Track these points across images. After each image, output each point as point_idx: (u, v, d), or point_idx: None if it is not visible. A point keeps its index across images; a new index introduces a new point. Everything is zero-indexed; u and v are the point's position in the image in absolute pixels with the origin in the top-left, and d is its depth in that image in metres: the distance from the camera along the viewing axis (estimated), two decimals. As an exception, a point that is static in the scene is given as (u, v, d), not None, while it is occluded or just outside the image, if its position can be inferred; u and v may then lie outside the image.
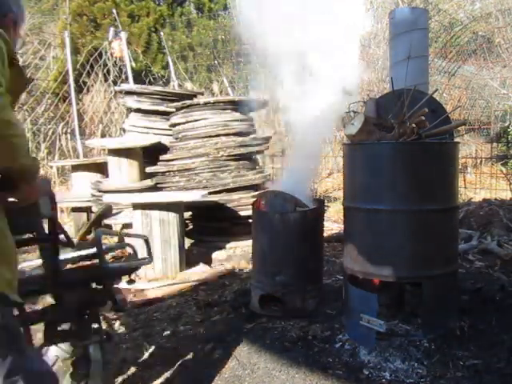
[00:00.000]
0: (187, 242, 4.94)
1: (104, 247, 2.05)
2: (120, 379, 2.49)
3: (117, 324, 3.19)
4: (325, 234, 3.89)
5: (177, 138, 5.48)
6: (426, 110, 2.65)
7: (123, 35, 8.64)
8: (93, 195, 5.41)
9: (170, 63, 10.11)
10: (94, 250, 1.91)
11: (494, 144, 10.01)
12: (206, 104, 5.34)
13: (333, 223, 6.14)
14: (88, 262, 2.10)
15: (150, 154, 5.48)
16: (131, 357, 2.72)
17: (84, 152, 7.80)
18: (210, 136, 5.24)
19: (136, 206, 4.07)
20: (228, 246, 5.00)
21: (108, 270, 1.94)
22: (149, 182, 5.20)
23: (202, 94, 6.69)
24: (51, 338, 1.90)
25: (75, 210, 5.91)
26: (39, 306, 2.49)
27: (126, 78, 8.60)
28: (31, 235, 1.76)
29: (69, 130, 8.43)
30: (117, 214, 4.91)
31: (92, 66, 8.84)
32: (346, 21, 2.93)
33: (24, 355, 1.44)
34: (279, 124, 8.82)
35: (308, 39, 3.01)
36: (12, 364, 1.38)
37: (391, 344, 2.53)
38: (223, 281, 3.97)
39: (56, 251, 1.77)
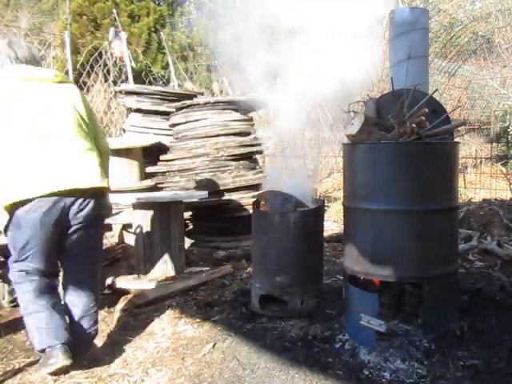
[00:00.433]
0: (187, 242, 4.94)
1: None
2: (120, 379, 2.49)
3: (117, 324, 3.19)
4: (325, 234, 3.89)
5: (177, 138, 5.48)
6: (426, 110, 2.65)
7: (123, 35, 8.64)
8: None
9: (170, 63, 10.11)
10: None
11: (494, 144, 10.02)
12: (205, 104, 5.34)
13: (333, 223, 6.15)
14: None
15: (150, 154, 5.47)
16: (131, 357, 2.73)
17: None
18: (210, 136, 5.24)
19: (136, 206, 4.07)
20: (228, 246, 4.99)
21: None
22: (149, 182, 5.20)
23: (202, 93, 6.69)
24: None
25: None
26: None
27: (126, 78, 8.60)
28: None
29: (69, 130, 8.40)
30: (117, 214, 4.90)
31: (92, 66, 8.84)
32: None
33: None
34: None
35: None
36: None
37: (391, 344, 2.53)
38: (223, 281, 3.97)
39: None
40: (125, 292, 3.79)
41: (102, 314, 3.37)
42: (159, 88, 6.14)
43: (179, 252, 4.16)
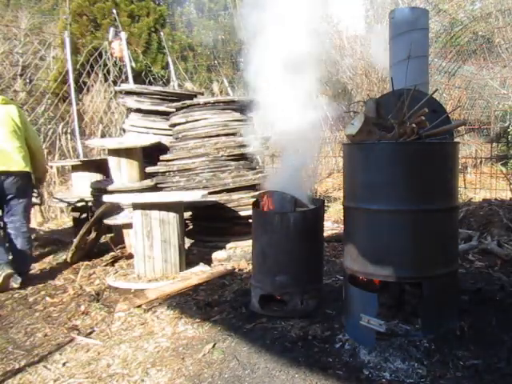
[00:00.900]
0: (187, 242, 4.94)
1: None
2: (120, 379, 2.49)
3: (117, 324, 3.20)
4: (325, 234, 3.89)
5: (177, 138, 5.48)
6: (425, 110, 2.65)
7: (123, 35, 8.64)
8: (93, 195, 5.41)
9: (170, 63, 10.11)
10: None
11: (494, 144, 10.02)
12: (205, 104, 5.33)
13: (333, 223, 6.15)
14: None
15: (150, 154, 5.47)
16: (131, 357, 2.73)
17: (84, 152, 7.80)
18: (210, 136, 5.24)
19: (136, 206, 4.07)
20: (228, 245, 5.00)
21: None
22: (149, 182, 5.20)
23: (202, 93, 6.68)
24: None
25: (75, 209, 5.91)
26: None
27: (126, 78, 8.60)
28: None
29: (69, 130, 8.43)
30: (117, 214, 4.90)
31: (92, 66, 8.83)
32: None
33: None
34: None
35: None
36: None
37: (391, 344, 2.53)
38: (223, 281, 3.97)
39: None
40: (125, 292, 3.80)
41: (102, 313, 3.37)
42: (159, 88, 6.14)
43: (179, 252, 4.17)
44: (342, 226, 3.02)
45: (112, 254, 4.95)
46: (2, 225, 4.31)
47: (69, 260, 4.60)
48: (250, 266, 3.85)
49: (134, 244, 4.24)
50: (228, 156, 5.19)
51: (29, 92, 9.38)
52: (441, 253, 2.66)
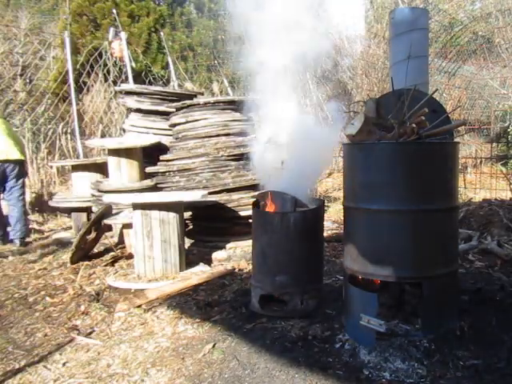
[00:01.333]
0: (187, 242, 4.94)
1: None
2: (120, 379, 2.49)
3: (117, 324, 3.19)
4: (325, 234, 3.89)
5: (177, 138, 5.48)
6: (426, 110, 2.65)
7: (123, 35, 8.63)
8: (93, 195, 5.41)
9: (170, 63, 10.11)
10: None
11: (494, 144, 10.02)
12: (205, 104, 5.33)
13: (333, 223, 6.15)
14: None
15: (150, 154, 5.47)
16: (131, 357, 2.73)
17: (84, 152, 7.81)
18: (210, 136, 5.24)
19: (136, 206, 4.07)
20: (228, 246, 5.00)
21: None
22: (149, 182, 5.20)
23: (202, 93, 6.68)
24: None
25: (75, 210, 5.92)
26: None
27: (126, 78, 8.60)
28: None
29: (69, 130, 8.43)
30: (117, 213, 4.91)
31: (92, 66, 8.84)
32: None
33: None
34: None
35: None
36: None
37: (391, 344, 2.53)
38: (223, 281, 3.97)
39: None
40: (125, 292, 3.80)
41: (102, 313, 3.37)
42: (159, 88, 6.14)
43: (179, 252, 4.17)
44: (342, 226, 3.02)
45: (112, 253, 4.95)
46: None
47: (69, 260, 4.60)
48: (250, 266, 3.85)
49: (134, 244, 4.24)
50: (228, 156, 5.19)
51: (29, 92, 9.38)
52: (441, 253, 2.66)
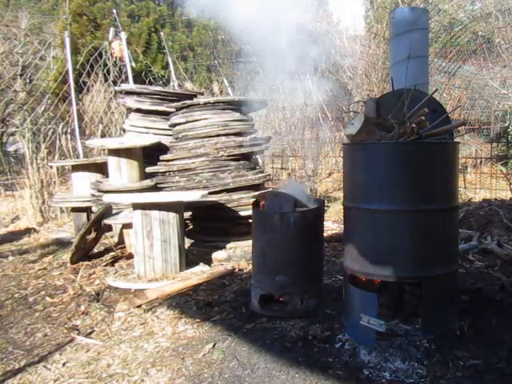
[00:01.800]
0: (187, 242, 4.94)
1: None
2: (120, 379, 2.49)
3: (117, 324, 3.20)
4: (325, 234, 3.89)
5: (177, 138, 5.48)
6: (426, 110, 2.65)
7: (123, 35, 8.64)
8: (93, 195, 5.41)
9: (170, 63, 10.11)
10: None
11: (494, 144, 10.02)
12: (205, 104, 5.33)
13: (333, 223, 6.15)
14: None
15: (150, 154, 5.47)
16: (131, 357, 2.73)
17: (84, 152, 7.80)
18: (210, 136, 5.23)
19: (136, 206, 4.07)
20: (228, 246, 5.00)
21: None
22: (149, 182, 5.20)
23: (202, 93, 6.67)
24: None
25: (75, 210, 5.91)
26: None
27: (126, 78, 8.60)
28: None
29: (69, 130, 8.42)
30: (117, 213, 4.91)
31: (92, 66, 8.83)
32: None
33: None
34: (279, 124, 8.82)
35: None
36: None
37: (391, 344, 2.53)
38: (223, 281, 3.97)
39: None
40: (125, 292, 3.80)
41: (102, 313, 3.37)
42: (159, 88, 6.14)
43: (179, 252, 4.17)
44: (342, 226, 3.02)
45: (112, 253, 4.95)
46: None
47: (69, 260, 4.60)
48: (250, 266, 3.85)
49: (134, 244, 4.24)
50: (228, 156, 5.19)
51: (29, 92, 9.38)
52: (441, 253, 2.66)
